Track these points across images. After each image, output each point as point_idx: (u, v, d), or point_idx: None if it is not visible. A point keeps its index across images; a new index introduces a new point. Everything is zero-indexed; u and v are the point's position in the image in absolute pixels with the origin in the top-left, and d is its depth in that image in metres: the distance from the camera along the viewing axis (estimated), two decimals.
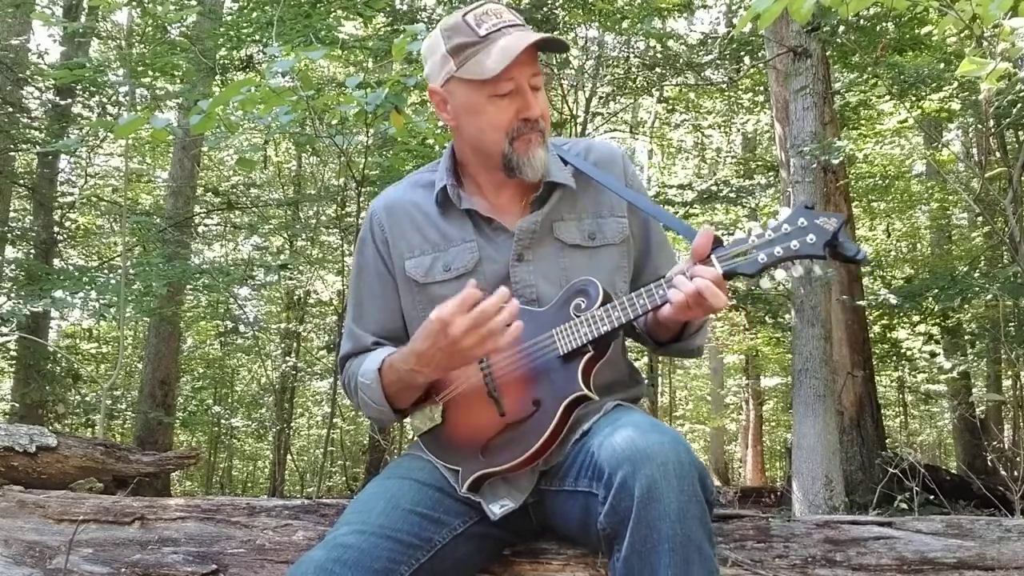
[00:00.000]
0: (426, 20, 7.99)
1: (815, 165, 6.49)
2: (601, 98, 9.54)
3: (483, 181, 1.71)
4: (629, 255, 1.73)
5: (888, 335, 10.81)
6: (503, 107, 1.60)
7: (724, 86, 9.98)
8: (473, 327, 1.45)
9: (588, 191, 1.71)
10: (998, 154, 8.67)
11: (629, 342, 1.91)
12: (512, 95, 1.59)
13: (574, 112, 9.16)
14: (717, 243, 1.51)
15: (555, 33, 7.82)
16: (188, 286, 9.59)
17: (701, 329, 1.69)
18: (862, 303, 7.97)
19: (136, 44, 8.29)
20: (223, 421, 13.34)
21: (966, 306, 8.51)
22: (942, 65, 7.31)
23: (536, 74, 1.60)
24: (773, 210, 6.39)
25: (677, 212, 9.36)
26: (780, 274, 1.49)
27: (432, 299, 1.66)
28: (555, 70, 8.37)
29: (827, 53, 7.16)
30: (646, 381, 1.91)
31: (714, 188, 10.28)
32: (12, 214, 10.36)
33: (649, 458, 1.32)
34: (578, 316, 1.55)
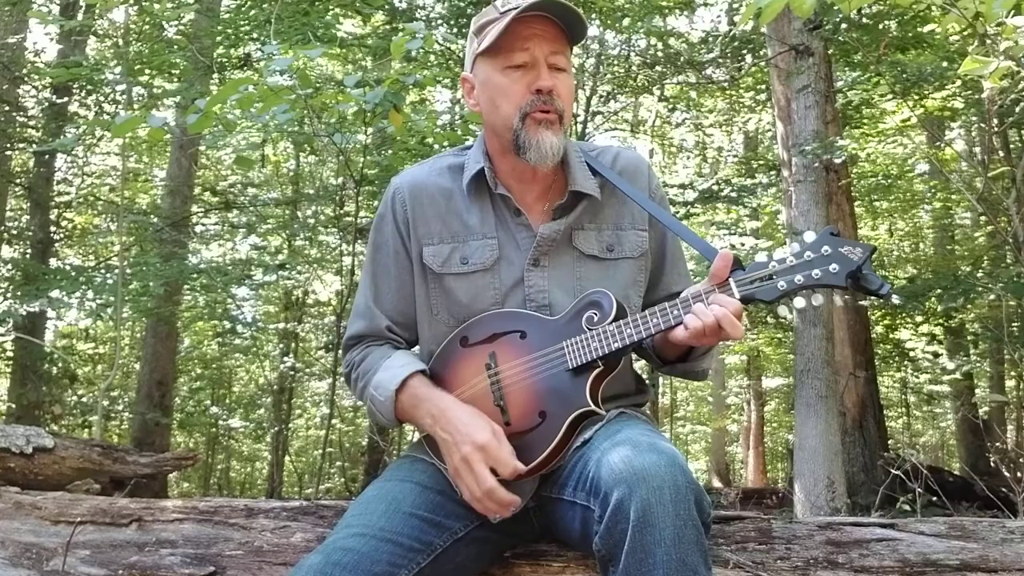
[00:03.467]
0: (424, 18, 7.98)
1: (817, 164, 6.49)
2: (602, 97, 9.53)
3: (508, 175, 1.69)
4: (646, 270, 1.72)
5: (891, 335, 10.82)
6: (516, 79, 1.59)
7: (725, 85, 9.96)
8: (474, 474, 1.49)
9: (612, 201, 1.70)
10: (1001, 153, 8.67)
11: None
12: (527, 68, 1.59)
13: (574, 111, 9.15)
14: (736, 265, 1.49)
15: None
16: (185, 286, 9.59)
17: (709, 352, 1.67)
18: (864, 303, 7.96)
19: (133, 42, 8.27)
20: (221, 422, 13.34)
21: (969, 306, 8.50)
22: (945, 63, 7.29)
23: (556, 53, 1.60)
24: (795, 229, 6.39)
25: (678, 212, 9.35)
26: (800, 302, 1.47)
27: (446, 290, 1.67)
28: None
29: (829, 51, 7.16)
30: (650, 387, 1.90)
31: (715, 187, 10.28)
32: (9, 213, 10.37)
33: (645, 480, 1.31)
34: (590, 329, 1.53)
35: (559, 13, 1.58)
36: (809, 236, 1.47)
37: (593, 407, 1.50)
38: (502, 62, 1.60)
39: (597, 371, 1.52)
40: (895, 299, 7.72)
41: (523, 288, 1.64)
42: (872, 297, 1.53)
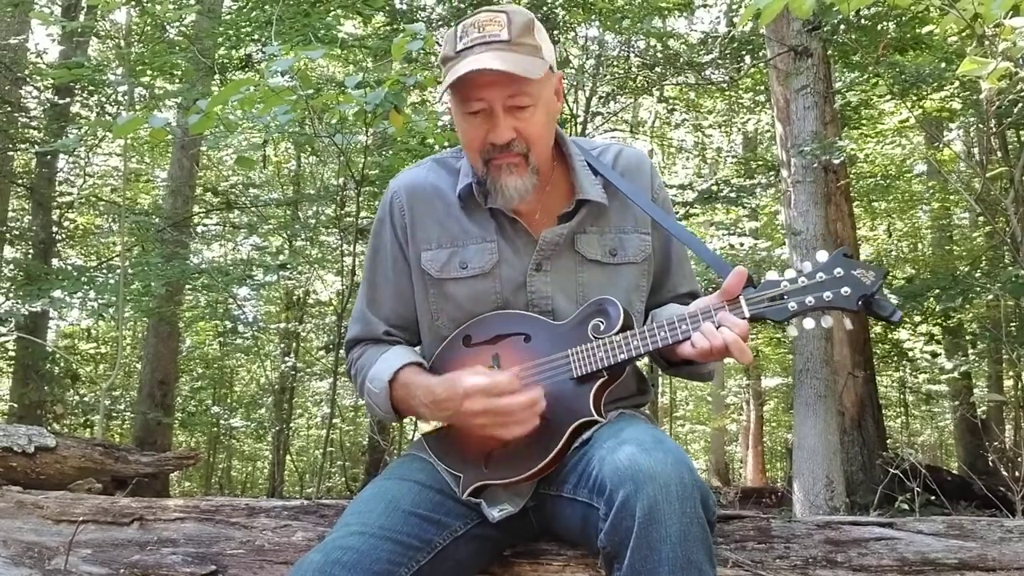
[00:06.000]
0: (425, 19, 7.99)
1: (816, 165, 6.49)
2: (601, 98, 9.52)
3: None
4: (649, 274, 1.71)
5: (889, 335, 10.81)
6: (475, 126, 1.56)
7: (725, 85, 9.96)
8: (488, 413, 1.47)
9: (614, 203, 1.68)
10: (999, 154, 8.67)
11: None
12: (484, 115, 1.54)
13: (574, 112, 9.15)
14: (748, 283, 1.49)
15: (554, 32, 7.82)
16: (187, 286, 9.60)
17: None
18: None
19: (135, 43, 8.29)
20: (222, 421, 13.34)
21: (967, 306, 8.49)
22: (943, 64, 7.29)
23: (515, 95, 1.52)
24: (793, 229, 6.36)
25: (678, 212, 9.35)
26: (809, 323, 1.46)
27: (446, 295, 1.66)
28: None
29: (828, 52, 7.16)
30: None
31: (714, 188, 10.25)
32: (11, 214, 10.36)
33: (652, 478, 1.31)
34: (596, 339, 1.53)
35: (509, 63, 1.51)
36: (822, 256, 1.46)
37: (595, 417, 1.50)
38: (462, 107, 1.56)
39: (601, 381, 1.52)
40: (893, 299, 7.73)
41: (525, 292, 1.63)
42: (882, 322, 1.53)
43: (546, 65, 1.56)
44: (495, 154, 1.56)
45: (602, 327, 1.53)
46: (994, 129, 7.62)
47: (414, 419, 1.75)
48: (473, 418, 1.49)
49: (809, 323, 1.46)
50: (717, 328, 1.45)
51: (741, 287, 1.47)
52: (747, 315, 1.46)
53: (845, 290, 1.42)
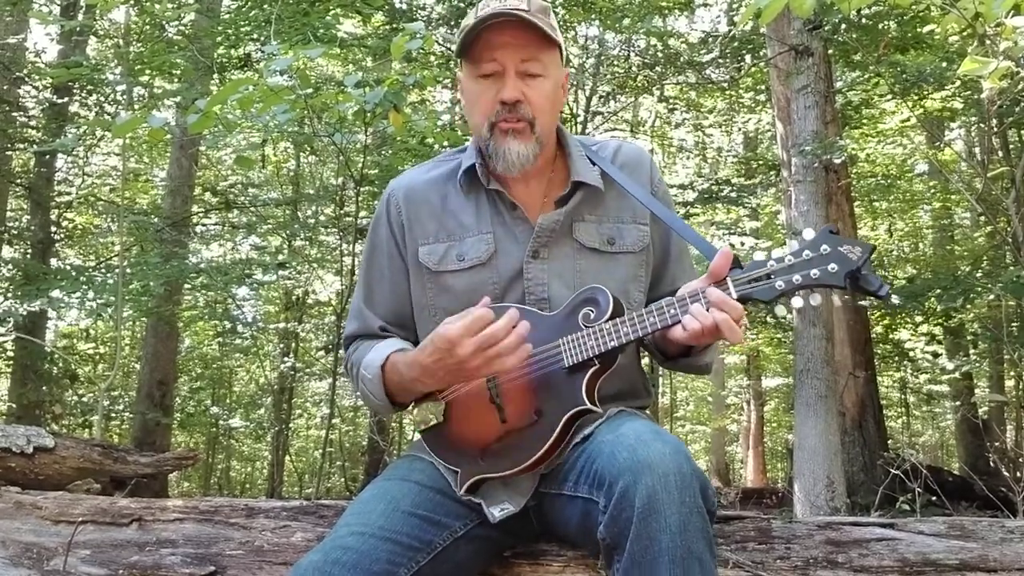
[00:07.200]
0: (425, 19, 7.98)
1: (817, 164, 6.49)
2: (601, 97, 9.53)
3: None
4: (648, 265, 1.71)
5: (890, 335, 10.81)
6: (486, 88, 1.58)
7: (725, 85, 9.96)
8: (480, 349, 1.44)
9: (613, 193, 1.68)
10: (1000, 153, 8.68)
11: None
12: (496, 77, 1.57)
13: (574, 111, 9.15)
14: (735, 264, 1.47)
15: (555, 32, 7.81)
16: (186, 286, 9.59)
17: (711, 346, 1.64)
18: (864, 303, 7.96)
19: (134, 43, 8.29)
20: (221, 422, 13.34)
21: (968, 306, 8.49)
22: (944, 64, 7.29)
23: (528, 60, 1.57)
24: (794, 230, 6.37)
25: (678, 212, 9.35)
26: (797, 302, 1.45)
27: (444, 288, 1.66)
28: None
29: (829, 52, 7.16)
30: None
31: (715, 187, 10.26)
32: (9, 213, 10.37)
33: (650, 468, 1.30)
34: (587, 327, 1.52)
35: (528, 21, 1.55)
36: (808, 234, 1.45)
37: (589, 406, 1.49)
38: (474, 70, 1.59)
39: (593, 369, 1.51)
40: (895, 299, 7.72)
41: (522, 281, 1.63)
42: (870, 297, 1.51)
43: (557, 46, 1.61)
44: (504, 115, 1.57)
45: (592, 315, 1.52)
46: (995, 129, 7.63)
47: (414, 419, 1.74)
48: (469, 362, 1.46)
49: (797, 302, 1.45)
50: (707, 310, 1.44)
51: (727, 268, 1.46)
52: (734, 296, 1.45)
53: (832, 267, 1.41)
